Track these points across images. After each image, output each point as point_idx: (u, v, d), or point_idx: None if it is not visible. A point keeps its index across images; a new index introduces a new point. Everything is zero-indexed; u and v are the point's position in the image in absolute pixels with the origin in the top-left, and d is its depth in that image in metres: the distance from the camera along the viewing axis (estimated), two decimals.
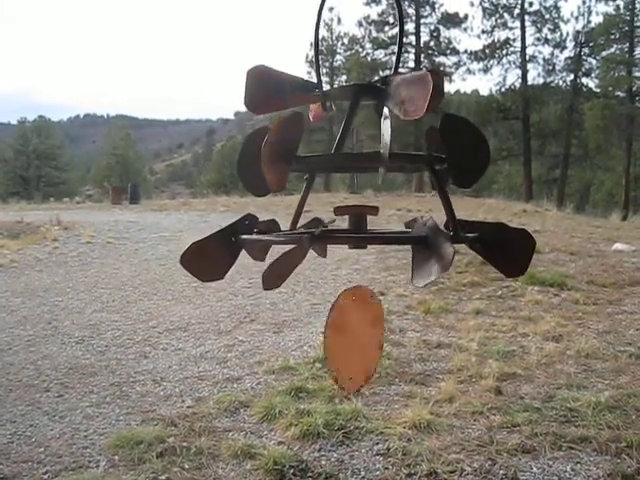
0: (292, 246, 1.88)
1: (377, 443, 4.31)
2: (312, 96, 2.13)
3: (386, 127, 1.79)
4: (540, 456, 4.07)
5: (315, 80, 2.13)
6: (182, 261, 2.03)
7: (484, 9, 44.38)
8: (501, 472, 3.87)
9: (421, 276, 1.88)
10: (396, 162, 1.94)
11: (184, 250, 2.02)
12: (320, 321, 7.67)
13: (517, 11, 44.13)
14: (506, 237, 1.95)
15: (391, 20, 43.49)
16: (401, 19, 2.26)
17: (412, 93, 1.82)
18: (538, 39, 44.37)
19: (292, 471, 3.90)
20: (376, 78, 2.12)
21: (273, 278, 1.97)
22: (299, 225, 2.21)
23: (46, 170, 64.10)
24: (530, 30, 44.25)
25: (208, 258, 2.08)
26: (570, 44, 44.62)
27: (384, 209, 18.56)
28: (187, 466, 4.01)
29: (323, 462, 4.06)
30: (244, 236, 2.10)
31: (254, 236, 2.11)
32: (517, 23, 44.25)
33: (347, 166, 2.25)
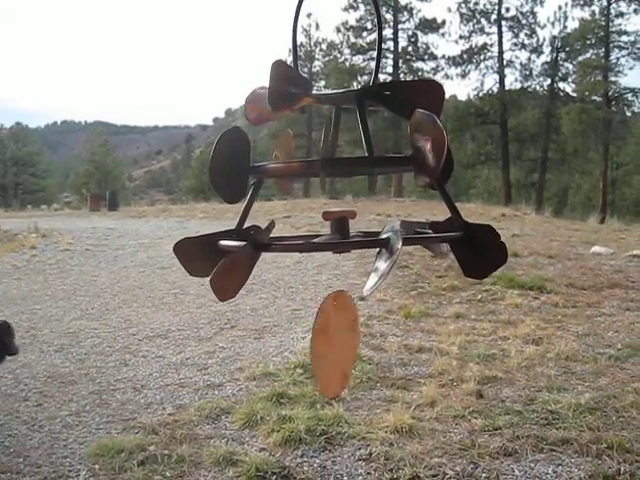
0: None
1: (359, 448, 4.30)
2: (311, 98, 2.10)
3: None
4: (522, 459, 4.08)
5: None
6: (212, 281, 1.85)
7: (461, 15, 44.66)
8: (483, 475, 3.88)
9: (477, 270, 2.02)
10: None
11: (215, 269, 1.85)
12: (301, 327, 7.67)
13: (494, 17, 44.45)
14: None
15: (369, 26, 43.68)
16: (379, 24, 2.27)
17: (424, 101, 1.89)
18: (515, 44, 44.75)
19: (274, 477, 3.89)
20: (359, 84, 2.15)
21: None
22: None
23: (24, 177, 63.72)
24: (507, 35, 44.65)
25: (235, 275, 1.94)
26: (547, 49, 45.05)
27: (364, 214, 18.56)
28: (169, 474, 3.98)
29: (305, 468, 4.05)
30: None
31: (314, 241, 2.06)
32: (494, 28, 44.59)
33: (382, 169, 2.23)
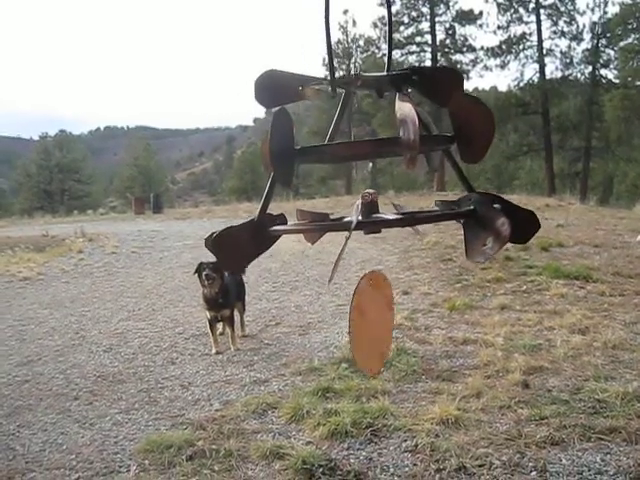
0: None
1: (405, 440, 4.31)
2: (360, 80, 2.23)
3: None
4: (569, 448, 4.05)
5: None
6: (336, 265, 2.18)
7: (499, 4, 44.01)
8: (530, 464, 3.86)
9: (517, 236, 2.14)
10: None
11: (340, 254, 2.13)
12: (345, 321, 7.66)
13: (532, 5, 43.74)
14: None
15: (406, 20, 43.39)
16: (389, 17, 2.43)
17: (447, 85, 2.12)
18: (554, 32, 43.97)
19: (321, 470, 3.91)
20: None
21: None
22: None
23: (69, 183, 64.56)
24: (546, 24, 43.85)
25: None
26: (587, 36, 44.21)
27: (406, 208, 18.48)
28: (217, 468, 4.04)
29: (352, 460, 4.07)
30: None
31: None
32: (532, 17, 43.87)
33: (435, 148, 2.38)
